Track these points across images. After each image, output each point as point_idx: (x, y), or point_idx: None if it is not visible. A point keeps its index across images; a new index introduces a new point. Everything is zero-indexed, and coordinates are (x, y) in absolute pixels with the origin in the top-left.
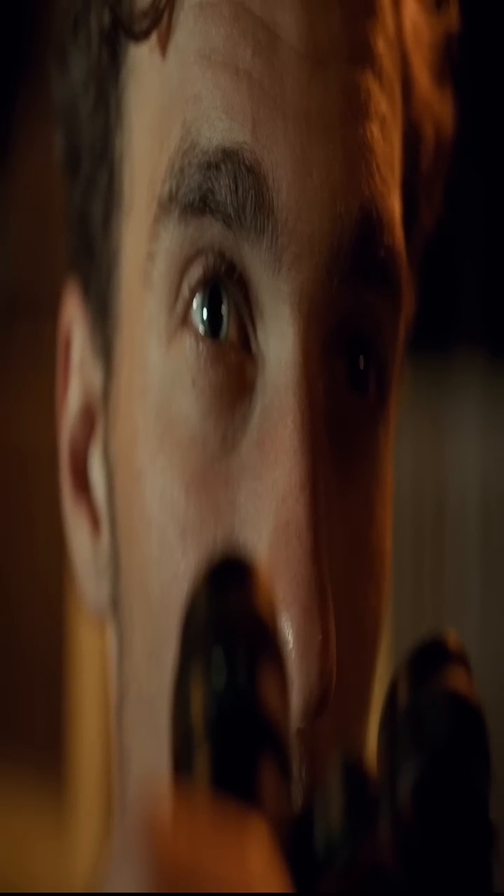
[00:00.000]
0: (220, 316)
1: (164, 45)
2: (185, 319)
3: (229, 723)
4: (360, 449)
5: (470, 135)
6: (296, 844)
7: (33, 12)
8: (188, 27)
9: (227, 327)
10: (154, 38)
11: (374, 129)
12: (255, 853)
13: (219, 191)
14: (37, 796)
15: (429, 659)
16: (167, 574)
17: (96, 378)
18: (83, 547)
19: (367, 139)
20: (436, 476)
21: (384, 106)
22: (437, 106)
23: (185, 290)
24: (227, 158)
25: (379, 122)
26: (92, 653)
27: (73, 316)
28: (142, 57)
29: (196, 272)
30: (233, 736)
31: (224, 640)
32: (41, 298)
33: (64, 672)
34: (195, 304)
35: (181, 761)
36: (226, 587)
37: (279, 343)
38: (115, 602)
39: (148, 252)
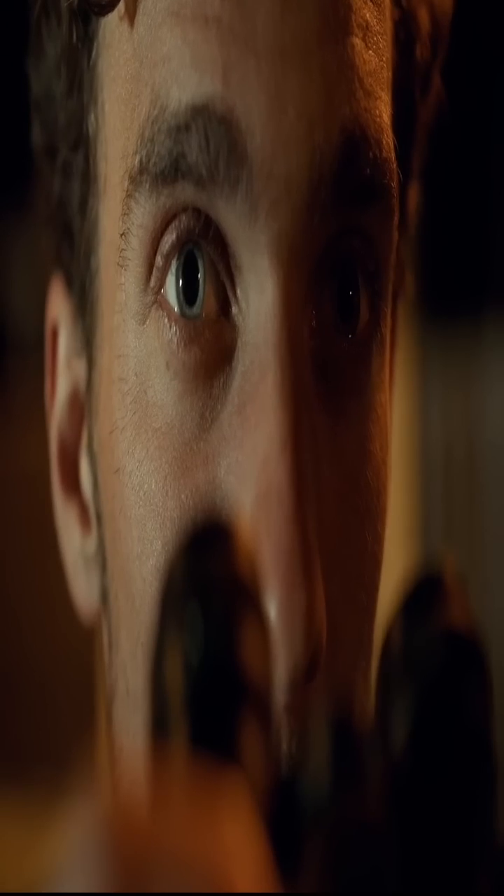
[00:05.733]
0: (196, 282)
1: (132, 11)
2: (159, 296)
3: (207, 681)
4: (351, 384)
5: None
6: (281, 809)
7: None
8: None
9: (203, 295)
10: (122, 5)
11: (357, 42)
12: (231, 826)
13: (190, 153)
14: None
15: (422, 596)
16: (148, 568)
17: (81, 371)
18: (73, 544)
19: (349, 55)
20: (467, 435)
21: (367, 12)
22: None
23: (160, 261)
24: (198, 115)
25: (362, 32)
26: None
27: (58, 310)
28: (112, 28)
29: (169, 239)
30: (210, 695)
31: (201, 599)
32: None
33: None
34: (169, 276)
35: (157, 728)
36: (204, 551)
37: (258, 297)
38: (104, 598)
39: (121, 230)
